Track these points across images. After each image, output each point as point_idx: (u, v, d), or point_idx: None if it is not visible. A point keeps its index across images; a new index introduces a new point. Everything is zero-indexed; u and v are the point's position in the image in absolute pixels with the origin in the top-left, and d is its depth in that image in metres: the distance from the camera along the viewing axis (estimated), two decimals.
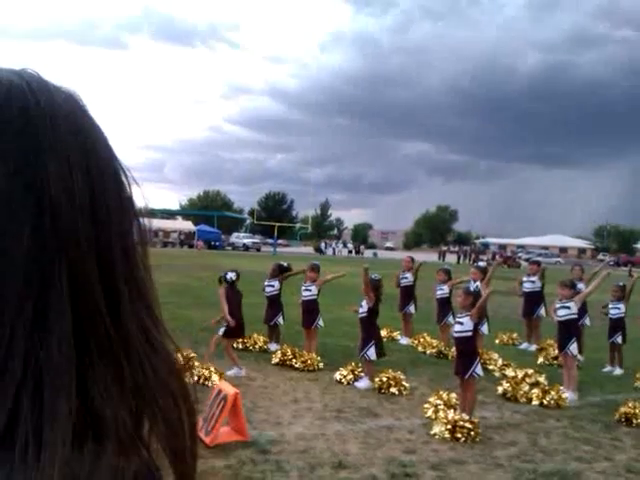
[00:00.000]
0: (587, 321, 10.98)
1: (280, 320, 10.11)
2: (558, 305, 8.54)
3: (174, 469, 0.53)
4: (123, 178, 0.56)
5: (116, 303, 0.51)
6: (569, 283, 8.66)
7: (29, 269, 0.47)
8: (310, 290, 9.03)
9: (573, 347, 8.19)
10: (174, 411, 0.54)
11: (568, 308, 8.37)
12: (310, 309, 8.95)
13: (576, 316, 8.44)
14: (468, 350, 6.80)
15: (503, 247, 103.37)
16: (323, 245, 70.29)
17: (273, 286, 10.15)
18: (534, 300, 11.92)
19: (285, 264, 10.52)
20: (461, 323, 6.86)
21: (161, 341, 0.55)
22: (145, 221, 0.57)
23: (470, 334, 6.78)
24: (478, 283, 8.49)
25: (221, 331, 8.41)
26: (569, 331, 8.30)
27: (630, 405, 7.18)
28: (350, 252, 71.23)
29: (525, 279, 12.41)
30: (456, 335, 6.94)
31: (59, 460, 0.44)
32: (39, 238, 0.47)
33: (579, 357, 8.85)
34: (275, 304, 10.10)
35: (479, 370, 6.73)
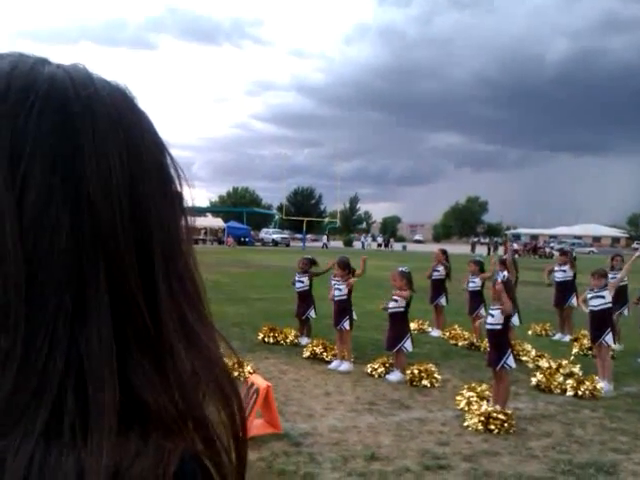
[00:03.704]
0: (626, 311, 10.79)
1: (312, 314, 10.14)
2: (590, 295, 8.36)
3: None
4: (172, 173, 0.56)
5: (154, 296, 0.51)
6: (602, 272, 8.48)
7: (68, 263, 0.47)
8: (340, 290, 8.91)
9: (609, 337, 8.02)
10: (203, 410, 0.53)
11: (603, 297, 8.19)
12: (340, 309, 8.80)
13: (610, 305, 8.26)
14: (500, 342, 6.74)
15: (535, 237, 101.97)
16: (325, 238, 68.43)
17: (303, 282, 10.20)
18: (566, 289, 11.75)
19: (310, 257, 10.59)
20: (492, 315, 6.81)
21: (203, 336, 0.55)
22: (190, 219, 0.57)
23: (501, 326, 6.72)
24: (505, 273, 8.25)
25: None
26: (604, 321, 8.12)
27: None
28: (379, 245, 70.94)
29: (556, 268, 12.25)
30: (488, 327, 6.90)
31: (106, 444, 0.45)
32: (77, 233, 0.48)
33: (616, 346, 8.70)
34: (307, 299, 10.14)
35: (511, 362, 6.67)
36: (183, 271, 0.55)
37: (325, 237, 68.82)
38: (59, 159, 0.48)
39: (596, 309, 8.23)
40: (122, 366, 0.48)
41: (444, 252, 12.31)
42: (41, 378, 0.45)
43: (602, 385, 7.63)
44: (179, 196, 0.56)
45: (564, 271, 11.95)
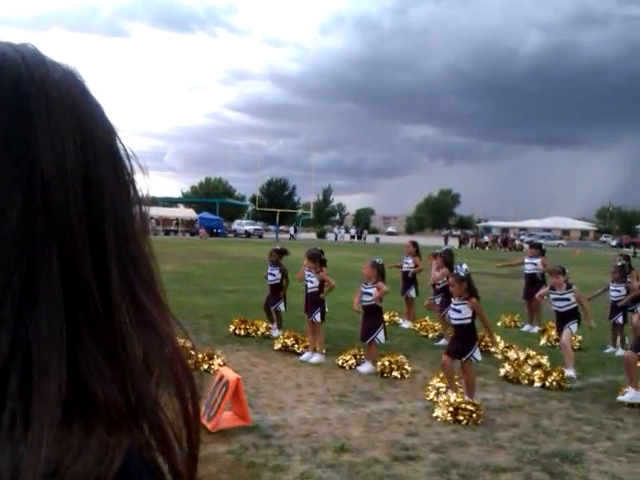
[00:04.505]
0: (620, 319, 9.90)
1: (281, 307, 10.09)
2: (554, 296, 8.31)
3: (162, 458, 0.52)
4: (125, 159, 0.55)
5: (106, 280, 0.50)
6: (560, 270, 8.40)
7: (18, 245, 0.46)
8: (312, 282, 8.91)
9: (574, 326, 8.10)
10: (155, 400, 0.52)
11: (567, 300, 8.17)
12: (313, 300, 8.76)
13: (576, 305, 8.23)
14: (469, 335, 6.79)
15: (506, 230, 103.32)
16: (293, 230, 67.27)
17: (274, 275, 10.15)
18: (535, 282, 11.84)
19: (279, 247, 10.59)
20: (459, 311, 6.84)
21: (158, 319, 0.54)
22: (145, 208, 0.57)
23: (469, 321, 6.77)
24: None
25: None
26: (570, 318, 8.15)
27: None
28: (352, 237, 71.15)
29: (527, 261, 12.36)
30: (456, 323, 6.92)
31: (47, 437, 0.43)
32: (29, 215, 0.46)
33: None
34: (278, 291, 10.11)
35: (477, 355, 6.74)
36: (137, 255, 0.54)
37: (292, 228, 68.61)
38: (12, 140, 0.47)
39: (562, 310, 8.23)
40: (72, 353, 0.47)
41: (415, 244, 12.32)
42: None
43: (566, 373, 7.72)
44: (132, 181, 0.56)
45: (534, 264, 12.02)
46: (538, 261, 12.00)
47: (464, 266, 7.11)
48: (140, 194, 0.56)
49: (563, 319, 8.26)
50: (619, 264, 10.25)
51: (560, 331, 8.40)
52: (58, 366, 0.45)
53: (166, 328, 0.54)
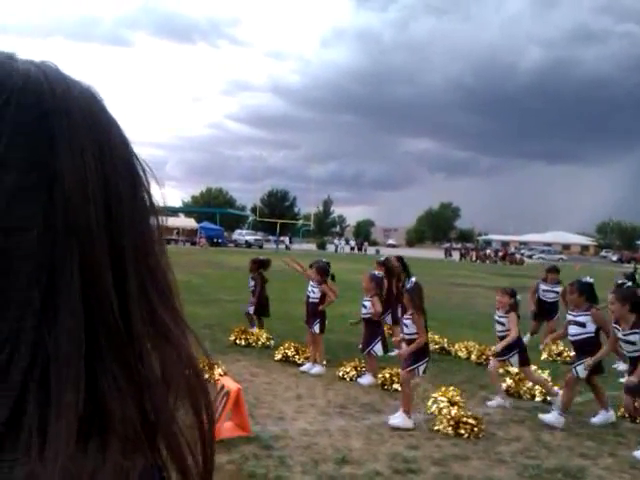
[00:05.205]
0: None
1: (249, 309, 10.79)
2: (495, 316, 7.84)
3: (176, 471, 0.52)
4: (140, 172, 0.56)
5: (125, 294, 0.50)
6: (508, 291, 7.89)
7: (39, 260, 0.46)
8: (314, 292, 8.90)
9: (514, 360, 7.52)
10: (172, 415, 0.52)
11: (503, 324, 7.66)
12: (313, 311, 8.79)
13: (516, 333, 7.48)
14: (419, 349, 6.70)
15: (506, 244, 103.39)
16: (288, 240, 67.93)
17: (250, 284, 10.94)
18: (553, 309, 11.27)
19: (262, 258, 11.15)
20: (406, 325, 6.82)
21: (176, 334, 0.54)
22: (161, 218, 0.57)
23: (417, 335, 6.71)
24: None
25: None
26: (509, 346, 7.47)
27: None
28: (352, 249, 71.19)
29: (547, 288, 11.47)
30: (407, 337, 6.86)
31: (62, 456, 0.42)
32: (50, 229, 0.47)
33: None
34: (252, 296, 10.81)
35: (421, 370, 6.71)
36: (155, 269, 0.54)
37: (287, 239, 68.81)
38: (35, 155, 0.47)
39: (499, 335, 7.74)
40: (91, 368, 0.46)
41: (400, 259, 12.05)
42: (1, 379, 0.43)
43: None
44: (149, 194, 0.56)
45: (556, 292, 11.01)
46: (559, 289, 10.90)
47: (412, 279, 7.14)
48: (156, 206, 0.57)
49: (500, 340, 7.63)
50: (619, 282, 10.27)
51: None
52: (76, 381, 0.45)
53: (182, 340, 0.54)
